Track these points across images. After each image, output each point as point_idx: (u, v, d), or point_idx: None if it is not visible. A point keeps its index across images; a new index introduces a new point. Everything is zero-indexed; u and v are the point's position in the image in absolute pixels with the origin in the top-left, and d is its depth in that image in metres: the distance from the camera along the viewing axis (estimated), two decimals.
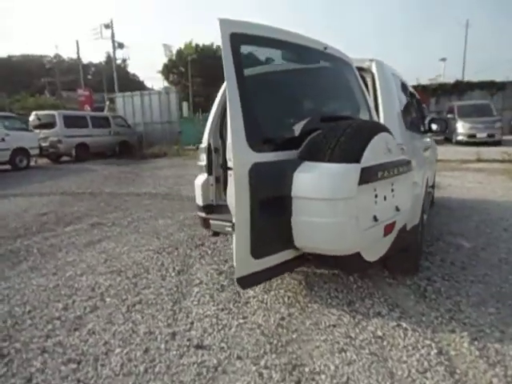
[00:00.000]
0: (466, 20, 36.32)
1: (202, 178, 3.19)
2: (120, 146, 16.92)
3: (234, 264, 1.83)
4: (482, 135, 15.54)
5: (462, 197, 6.68)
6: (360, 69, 2.77)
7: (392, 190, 2.08)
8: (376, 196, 1.98)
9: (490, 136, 15.45)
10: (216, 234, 3.52)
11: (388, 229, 2.11)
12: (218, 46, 58.39)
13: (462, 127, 15.99)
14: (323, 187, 1.81)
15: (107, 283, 3.40)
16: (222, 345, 2.42)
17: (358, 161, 1.84)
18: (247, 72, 2.00)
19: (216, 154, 3.15)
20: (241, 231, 1.75)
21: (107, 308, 2.95)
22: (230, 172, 1.85)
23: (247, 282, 1.87)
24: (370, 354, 2.28)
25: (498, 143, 15.38)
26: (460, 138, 15.98)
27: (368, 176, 1.85)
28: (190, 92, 48.47)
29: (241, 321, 2.71)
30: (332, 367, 2.17)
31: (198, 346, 2.40)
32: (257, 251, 1.79)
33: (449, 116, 16.96)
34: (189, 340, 2.48)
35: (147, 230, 5.05)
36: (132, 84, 50.69)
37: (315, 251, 2.01)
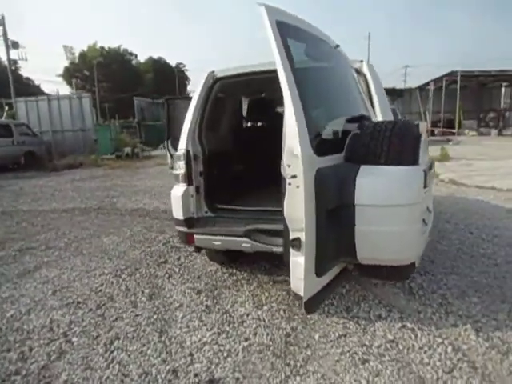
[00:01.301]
0: (368, 33, 39.70)
1: (180, 188, 2.85)
2: (26, 157, 14.95)
3: (294, 285, 1.60)
4: None
5: None
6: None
7: (425, 192, 2.05)
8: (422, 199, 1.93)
9: None
10: (198, 249, 3.19)
11: (428, 231, 2.07)
12: (126, 50, 55.70)
13: None
14: (394, 193, 1.68)
15: (67, 319, 2.85)
16: (237, 375, 2.15)
17: (416, 163, 1.76)
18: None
19: (195, 161, 2.85)
20: (309, 247, 1.54)
21: (78, 350, 2.45)
22: (289, 181, 1.61)
23: (313, 304, 1.65)
24: (392, 360, 2.22)
25: None
26: None
27: (427, 178, 1.77)
28: (97, 98, 45.29)
29: (245, 344, 2.45)
30: (364, 382, 2.05)
31: (211, 382, 2.10)
32: (320, 268, 1.59)
33: None
34: (196, 375, 2.16)
35: (93, 251, 4.43)
36: (27, 88, 45.26)
37: (377, 262, 1.88)
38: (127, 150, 17.46)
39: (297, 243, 1.61)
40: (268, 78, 3.10)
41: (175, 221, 2.91)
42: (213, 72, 2.99)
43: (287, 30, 1.72)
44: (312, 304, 1.64)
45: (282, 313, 2.82)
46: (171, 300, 3.10)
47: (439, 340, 2.39)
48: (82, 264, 4.01)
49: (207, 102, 2.90)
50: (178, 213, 2.83)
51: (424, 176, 1.74)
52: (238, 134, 3.92)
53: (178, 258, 4.05)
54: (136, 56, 55.53)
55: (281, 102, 6.46)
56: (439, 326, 2.56)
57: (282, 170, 1.77)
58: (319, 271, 1.61)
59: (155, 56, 55.18)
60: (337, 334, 2.50)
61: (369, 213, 1.71)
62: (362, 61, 2.80)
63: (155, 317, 2.83)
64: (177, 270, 3.74)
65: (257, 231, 2.69)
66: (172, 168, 4.77)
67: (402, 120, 2.22)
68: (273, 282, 3.36)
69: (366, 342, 2.40)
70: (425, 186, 1.76)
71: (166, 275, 3.62)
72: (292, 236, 1.61)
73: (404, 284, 3.21)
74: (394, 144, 1.82)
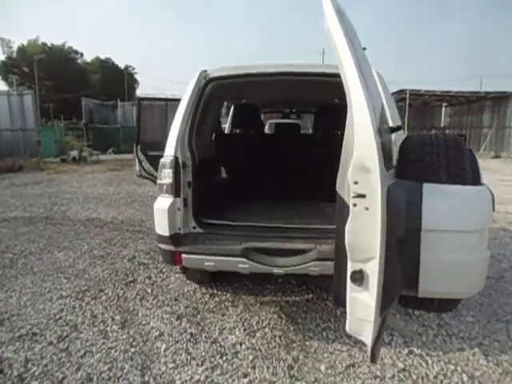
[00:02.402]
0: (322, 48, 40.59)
1: (165, 200, 2.48)
2: None
3: (353, 327, 1.32)
4: None
5: None
6: None
7: None
8: None
9: None
10: (185, 270, 2.81)
11: None
12: (71, 48, 52.52)
13: None
14: (465, 216, 1.47)
15: (21, 357, 2.36)
16: None
17: (480, 182, 1.58)
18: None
19: (184, 170, 2.50)
20: (379, 282, 1.29)
21: None
22: (354, 201, 1.33)
23: (377, 349, 1.38)
24: None
25: None
26: None
27: (494, 200, 1.60)
28: (37, 96, 42.14)
29: (245, 380, 2.15)
30: None
31: None
32: (385, 306, 1.34)
33: None
34: None
35: (45, 269, 3.86)
36: None
37: (439, 296, 1.66)
38: (74, 153, 16.30)
39: (359, 276, 1.36)
40: (266, 82, 2.87)
41: (158, 238, 2.54)
42: (205, 71, 2.68)
43: (342, 20, 1.49)
44: (377, 349, 1.40)
45: (278, 340, 2.55)
46: (148, 328, 2.70)
47: (451, 367, 2.25)
48: (34, 285, 3.45)
49: (198, 104, 2.59)
50: (162, 228, 2.46)
51: (492, 198, 1.58)
52: (228, 141, 3.63)
53: (149, 277, 3.63)
54: (82, 55, 52.52)
55: (269, 109, 6.11)
56: (445, 350, 2.43)
57: (338, 189, 1.51)
58: (383, 309, 1.37)
59: (102, 56, 52.56)
60: (344, 365, 2.28)
61: (436, 239, 1.50)
62: None
63: (133, 350, 2.43)
64: (149, 290, 3.33)
65: (255, 250, 2.41)
66: (140, 175, 4.37)
67: (450, 134, 2.07)
68: (260, 303, 3.08)
69: (378, 373, 2.20)
70: (493, 209, 1.60)
71: (138, 297, 3.20)
72: (353, 268, 1.35)
73: (398, 306, 3.08)
74: (454, 159, 1.65)
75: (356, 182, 1.31)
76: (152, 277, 3.63)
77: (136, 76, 53.66)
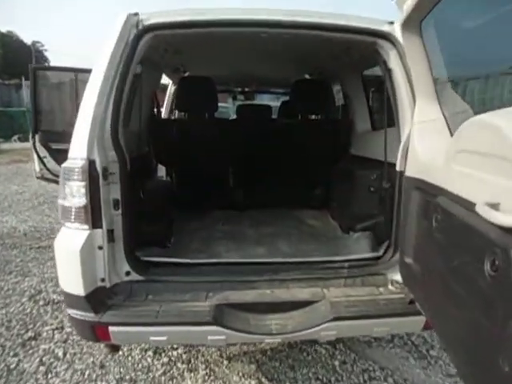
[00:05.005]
0: None
1: (76, 234, 1.41)
2: None
3: None
4: None
5: None
6: (378, 35, 1.70)
7: None
8: None
9: None
10: (116, 348, 1.76)
11: None
12: None
13: None
14: None
15: None
16: None
17: None
18: None
19: (105, 181, 1.45)
20: None
21: None
22: None
23: None
24: None
25: None
26: None
27: None
28: None
29: None
30: None
31: None
32: None
33: None
34: None
35: None
36: None
37: None
38: None
39: None
40: (242, 36, 1.90)
41: (68, 299, 1.48)
42: (136, 15, 1.61)
43: None
44: None
45: None
46: None
47: None
48: None
49: (127, 70, 1.53)
50: (73, 283, 1.41)
51: None
52: (170, 130, 2.56)
53: (59, 327, 2.52)
54: None
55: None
56: None
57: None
58: None
59: (3, 29, 45.52)
60: None
61: None
62: (392, 22, 1.79)
63: None
64: (60, 353, 2.24)
65: (232, 307, 1.50)
66: (41, 177, 3.16)
67: None
68: (227, 359, 2.19)
69: None
70: None
71: (41, 370, 2.10)
72: None
73: (404, 341, 2.42)
74: None
75: None
76: (65, 325, 2.52)
77: (47, 54, 47.55)
